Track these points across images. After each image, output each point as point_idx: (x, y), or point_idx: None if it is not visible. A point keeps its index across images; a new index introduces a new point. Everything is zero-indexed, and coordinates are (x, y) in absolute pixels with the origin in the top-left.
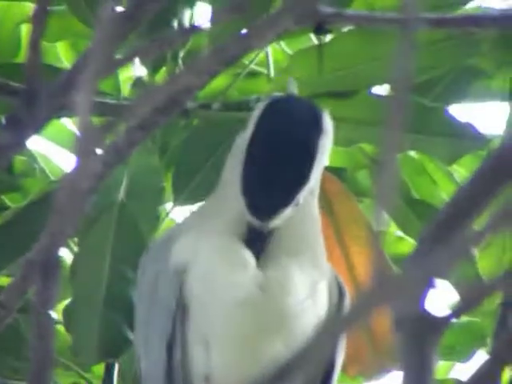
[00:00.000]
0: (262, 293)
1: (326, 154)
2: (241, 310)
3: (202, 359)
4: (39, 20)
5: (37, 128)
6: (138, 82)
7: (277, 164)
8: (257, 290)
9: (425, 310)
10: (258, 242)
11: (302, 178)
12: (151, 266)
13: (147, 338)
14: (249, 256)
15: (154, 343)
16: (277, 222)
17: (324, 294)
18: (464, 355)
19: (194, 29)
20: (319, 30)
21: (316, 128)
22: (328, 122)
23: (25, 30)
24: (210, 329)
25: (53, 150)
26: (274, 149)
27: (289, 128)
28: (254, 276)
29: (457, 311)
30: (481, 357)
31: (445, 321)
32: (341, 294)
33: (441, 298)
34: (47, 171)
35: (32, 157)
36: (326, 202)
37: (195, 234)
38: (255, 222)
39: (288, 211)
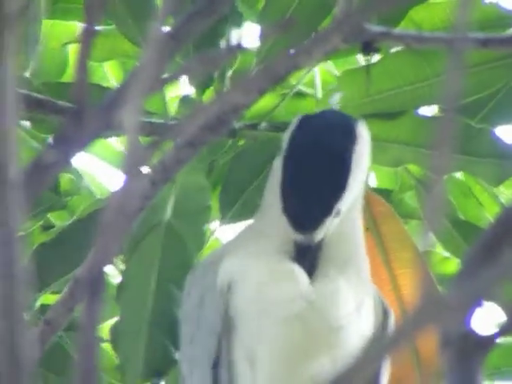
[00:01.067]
0: (311, 307)
1: (364, 162)
2: (289, 325)
3: (247, 379)
4: (87, 39)
5: (83, 146)
6: (184, 101)
7: (311, 176)
8: (306, 304)
9: (471, 330)
10: (307, 257)
11: (338, 187)
12: (197, 286)
13: (192, 357)
14: (298, 271)
15: (200, 363)
16: (320, 233)
17: (370, 311)
18: (509, 376)
19: (241, 47)
20: (367, 49)
21: (349, 136)
22: (363, 130)
23: (71, 49)
24: (256, 345)
25: (99, 169)
26: (307, 161)
27: (320, 138)
28: (303, 291)
29: (503, 330)
30: None
31: (491, 340)
32: (385, 313)
33: (487, 319)
34: (93, 190)
35: (78, 175)
36: (373, 223)
37: (242, 254)
38: (300, 237)
39: (329, 222)
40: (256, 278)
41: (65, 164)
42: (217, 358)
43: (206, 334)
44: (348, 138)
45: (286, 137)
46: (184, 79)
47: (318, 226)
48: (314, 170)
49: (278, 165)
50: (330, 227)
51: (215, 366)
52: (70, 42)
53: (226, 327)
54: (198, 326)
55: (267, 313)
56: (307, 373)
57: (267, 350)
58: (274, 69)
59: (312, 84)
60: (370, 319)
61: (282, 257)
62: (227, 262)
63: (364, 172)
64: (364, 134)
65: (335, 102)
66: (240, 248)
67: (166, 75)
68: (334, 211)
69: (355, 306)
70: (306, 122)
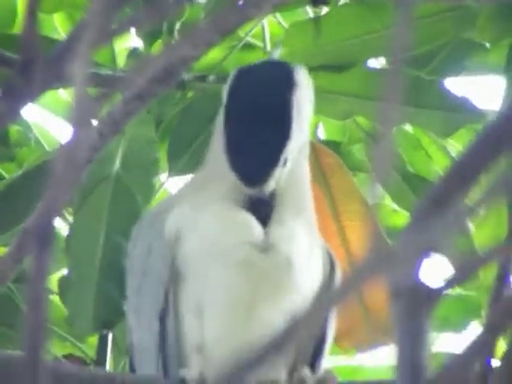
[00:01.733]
0: (263, 254)
1: (306, 108)
2: (238, 272)
3: (195, 329)
4: None
5: (32, 97)
6: (133, 54)
7: (254, 129)
8: (257, 250)
9: (419, 282)
10: (261, 208)
11: (283, 136)
12: (144, 236)
13: (139, 308)
14: (249, 218)
15: (146, 314)
16: (271, 185)
17: (319, 260)
18: (458, 327)
19: None
20: (316, 2)
21: (288, 84)
22: (302, 77)
23: (20, 0)
24: (204, 296)
25: (48, 121)
26: (248, 114)
27: (259, 89)
28: (254, 236)
29: (451, 282)
30: (475, 328)
31: (439, 291)
32: (331, 265)
33: (436, 271)
34: (42, 142)
35: (27, 127)
36: (321, 175)
37: (190, 202)
38: (251, 191)
39: (278, 172)
40: (204, 226)
41: (14, 115)
42: (164, 308)
43: (152, 284)
44: (287, 85)
45: (224, 90)
46: (132, 31)
47: (267, 178)
48: (256, 122)
49: (220, 118)
50: (279, 177)
51: (162, 316)
52: None
53: (174, 277)
54: (145, 275)
55: (216, 260)
56: (258, 320)
57: (216, 298)
58: (223, 21)
59: (261, 36)
60: (319, 268)
61: (232, 204)
62: (175, 211)
63: (307, 118)
64: (304, 80)
65: (278, 53)
66: (188, 197)
67: (114, 27)
68: (281, 161)
69: (308, 251)
70: (244, 73)
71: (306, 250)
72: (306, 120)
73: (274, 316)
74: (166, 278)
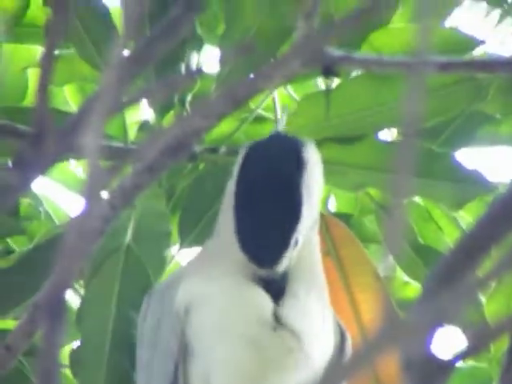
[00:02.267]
0: (272, 332)
1: (316, 185)
2: (245, 350)
3: None
4: (47, 63)
5: (43, 170)
6: (144, 126)
7: (264, 208)
8: (267, 329)
9: (432, 354)
10: (274, 286)
11: (293, 216)
12: (154, 309)
13: (149, 382)
14: (261, 294)
15: None
16: (283, 266)
17: (330, 334)
18: None
19: (201, 71)
20: (327, 74)
21: (297, 161)
22: (312, 153)
23: (31, 73)
24: (212, 372)
25: (59, 194)
26: (258, 192)
27: (268, 167)
28: (265, 314)
29: (463, 354)
30: None
31: (452, 363)
32: (342, 337)
33: (448, 343)
34: (52, 215)
35: (37, 200)
36: (332, 247)
37: (201, 276)
38: (262, 272)
39: (289, 253)
40: (213, 301)
41: (24, 188)
42: (174, 382)
43: (162, 358)
44: (296, 163)
45: (235, 167)
46: (144, 103)
47: (278, 260)
48: (266, 202)
49: (230, 190)
50: (291, 258)
51: None
52: (30, 66)
53: (183, 351)
54: (155, 349)
55: (224, 336)
56: None
57: (223, 374)
58: (234, 93)
59: (272, 108)
60: (330, 342)
61: (242, 279)
62: (185, 285)
63: (317, 196)
64: (313, 155)
65: (284, 122)
66: (198, 270)
67: (125, 99)
68: (293, 242)
69: (320, 326)
70: (253, 151)
71: (318, 326)
72: (317, 196)
73: None
74: (175, 352)
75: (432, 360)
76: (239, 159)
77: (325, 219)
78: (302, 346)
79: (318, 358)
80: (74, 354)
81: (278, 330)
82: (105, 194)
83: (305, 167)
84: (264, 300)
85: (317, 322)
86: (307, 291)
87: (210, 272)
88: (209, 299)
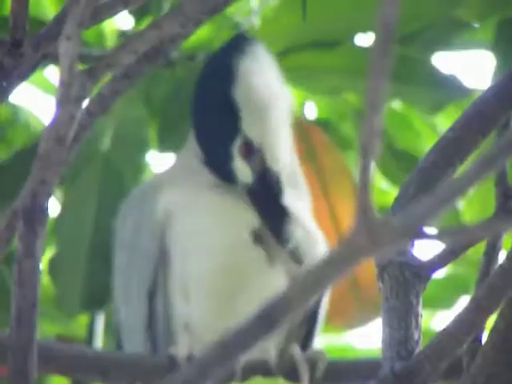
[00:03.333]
0: (250, 246)
1: (277, 88)
2: (223, 261)
3: (183, 308)
4: None
5: (22, 77)
6: (122, 34)
7: (220, 121)
8: (246, 243)
9: (410, 258)
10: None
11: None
12: (133, 214)
13: (127, 286)
14: (245, 207)
15: (134, 292)
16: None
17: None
18: (447, 303)
19: None
20: None
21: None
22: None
23: None
24: (190, 278)
25: (36, 101)
26: (213, 105)
27: (222, 80)
28: (246, 228)
29: (442, 258)
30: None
31: (430, 267)
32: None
33: (425, 248)
34: (31, 122)
35: (15, 108)
36: (311, 154)
37: (183, 184)
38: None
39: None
40: (196, 211)
41: (3, 95)
42: (152, 286)
43: (141, 263)
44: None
45: (198, 76)
46: (123, 12)
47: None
48: (221, 113)
49: None
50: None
51: (151, 294)
52: None
53: (163, 256)
54: (133, 253)
55: (203, 246)
56: (243, 307)
57: (200, 281)
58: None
59: (249, 15)
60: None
61: (226, 190)
62: (166, 191)
63: (282, 98)
64: (268, 58)
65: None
66: (180, 178)
67: (102, 5)
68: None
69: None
70: (213, 55)
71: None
72: (282, 99)
73: (260, 300)
74: (154, 257)
75: (410, 264)
76: (202, 69)
77: (303, 126)
78: (284, 262)
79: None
80: (51, 261)
81: (257, 245)
82: (82, 100)
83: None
84: (247, 214)
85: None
86: (294, 199)
87: (192, 180)
88: (190, 208)
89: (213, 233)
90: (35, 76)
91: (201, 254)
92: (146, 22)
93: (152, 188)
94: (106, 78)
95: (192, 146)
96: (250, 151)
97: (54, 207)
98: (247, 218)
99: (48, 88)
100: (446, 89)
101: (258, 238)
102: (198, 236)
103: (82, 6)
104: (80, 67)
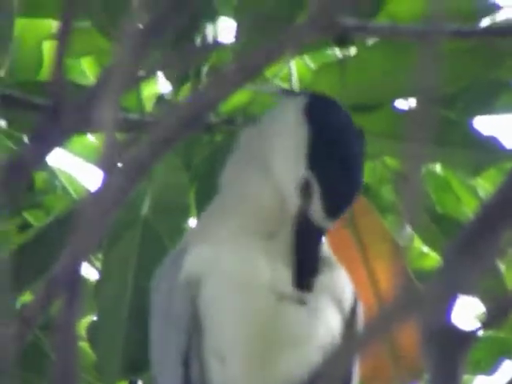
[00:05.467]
0: (279, 304)
1: None
2: (259, 322)
3: (219, 374)
4: (63, 35)
5: (60, 143)
6: (161, 99)
7: (348, 166)
8: (274, 302)
9: (452, 324)
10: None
11: (361, 179)
12: (164, 281)
13: (163, 354)
14: (272, 259)
15: (170, 359)
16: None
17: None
18: (489, 368)
19: (216, 43)
20: (341, 42)
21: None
22: None
23: (47, 46)
24: (225, 343)
25: (75, 167)
26: (345, 151)
27: (346, 126)
28: (271, 286)
29: (484, 324)
30: (507, 369)
31: (473, 333)
32: (354, 303)
33: (468, 313)
34: (69, 189)
35: (53, 174)
36: (350, 218)
37: (208, 239)
38: (324, 222)
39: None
40: (223, 271)
41: (39, 162)
42: (187, 353)
43: (174, 330)
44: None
45: (288, 113)
46: (161, 76)
47: (346, 207)
48: (350, 161)
49: (247, 145)
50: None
51: (186, 361)
52: (45, 39)
53: (196, 322)
54: (167, 321)
55: (234, 312)
56: (277, 372)
57: (235, 347)
58: (248, 63)
59: (288, 78)
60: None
61: (254, 240)
62: (193, 251)
63: None
64: None
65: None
66: (205, 233)
67: (142, 71)
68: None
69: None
70: (322, 106)
71: (329, 295)
72: None
73: (296, 362)
74: (186, 322)
75: (452, 331)
76: (296, 109)
77: None
78: (313, 318)
79: (330, 330)
80: (91, 327)
81: (288, 301)
82: (121, 166)
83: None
84: (274, 265)
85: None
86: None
87: (217, 233)
88: (218, 268)
89: (241, 295)
90: (75, 141)
91: (231, 319)
92: (184, 88)
93: (180, 251)
94: (145, 142)
95: (229, 192)
96: (308, 192)
97: (93, 272)
98: (276, 274)
99: (90, 154)
100: (487, 152)
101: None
102: (227, 300)
103: (120, 71)
104: (120, 134)
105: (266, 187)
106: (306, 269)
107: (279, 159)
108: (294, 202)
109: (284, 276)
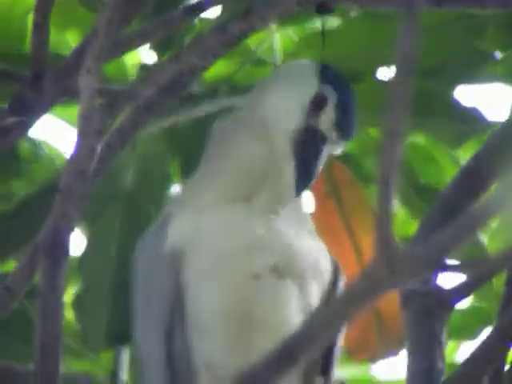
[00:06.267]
0: (258, 280)
1: None
2: (236, 299)
3: (201, 347)
4: (44, 6)
5: (41, 111)
6: (144, 68)
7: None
8: (252, 277)
9: (433, 289)
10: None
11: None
12: (146, 252)
13: (145, 325)
14: (253, 220)
15: (153, 330)
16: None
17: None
18: (471, 335)
19: (198, 9)
20: (321, 11)
21: None
22: None
23: (29, 18)
24: (205, 315)
25: (58, 136)
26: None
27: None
28: (251, 258)
29: (466, 288)
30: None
31: (454, 296)
32: (335, 271)
33: (448, 278)
34: (53, 158)
35: (37, 143)
36: (333, 189)
37: (191, 209)
38: (335, 131)
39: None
40: (207, 242)
41: (24, 130)
42: (170, 324)
43: (157, 302)
44: None
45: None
46: (144, 46)
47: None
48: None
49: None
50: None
51: (169, 332)
52: (29, 11)
53: (179, 293)
54: (150, 291)
55: (215, 279)
56: (259, 345)
57: (215, 321)
58: (227, 31)
59: (271, 50)
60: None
61: (238, 205)
62: (174, 224)
63: None
64: None
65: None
66: (187, 203)
67: (123, 39)
68: None
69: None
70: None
71: (310, 259)
72: None
73: (276, 336)
74: (170, 295)
75: (433, 295)
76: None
77: (327, 161)
78: (291, 292)
79: (313, 295)
80: (76, 297)
81: (266, 275)
82: (101, 134)
83: None
84: (256, 227)
85: (309, 255)
86: (297, 227)
87: (200, 201)
88: (199, 241)
89: (222, 267)
90: (59, 109)
91: (212, 292)
92: (166, 55)
93: (162, 222)
94: (126, 111)
95: (212, 162)
96: (320, 106)
97: (77, 244)
98: (257, 245)
99: (72, 122)
100: (469, 122)
101: None
102: (208, 275)
103: (101, 39)
104: (100, 101)
105: (257, 144)
106: (306, 176)
107: (281, 104)
108: (298, 118)
109: (265, 240)
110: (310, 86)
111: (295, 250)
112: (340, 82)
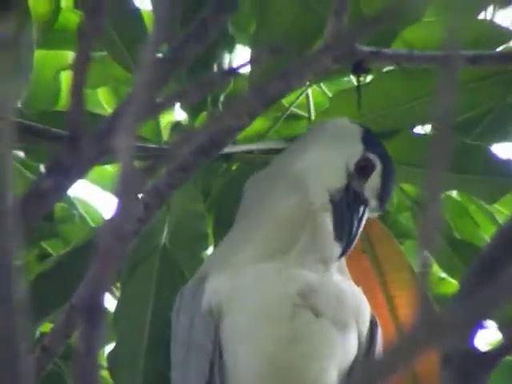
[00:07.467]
0: (306, 321)
1: None
2: (279, 346)
3: None
4: (80, 66)
5: (79, 174)
6: (177, 127)
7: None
8: (290, 332)
9: (471, 349)
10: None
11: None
12: (185, 308)
13: (185, 381)
14: (288, 277)
15: None
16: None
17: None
18: None
19: (233, 71)
20: (358, 70)
21: None
22: None
23: (64, 77)
24: (244, 372)
25: (94, 196)
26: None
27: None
28: (289, 312)
29: (503, 349)
30: None
31: (493, 358)
32: (372, 324)
33: (486, 340)
34: (87, 218)
35: (72, 203)
36: (368, 245)
37: (226, 268)
38: (377, 196)
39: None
40: (244, 301)
41: (60, 193)
42: (210, 381)
43: (197, 357)
44: None
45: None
46: (177, 105)
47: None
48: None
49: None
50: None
51: None
52: (62, 70)
53: (218, 350)
54: (189, 348)
55: (256, 338)
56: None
57: (254, 378)
58: (265, 90)
59: (305, 106)
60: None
61: (268, 264)
62: (212, 281)
63: None
64: None
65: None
66: (222, 262)
67: (159, 101)
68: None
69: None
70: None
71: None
72: None
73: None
74: (209, 351)
75: (472, 355)
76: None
77: None
78: (331, 336)
79: (349, 347)
80: (111, 355)
81: (313, 320)
82: (139, 195)
83: None
84: (292, 284)
85: (352, 305)
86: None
87: (235, 260)
88: (238, 298)
89: (259, 325)
90: (95, 170)
91: (249, 356)
92: (201, 116)
93: (200, 279)
94: (162, 170)
95: (245, 220)
96: (366, 171)
97: (112, 301)
98: (291, 298)
99: (106, 183)
100: (506, 177)
101: None
102: (245, 334)
103: (139, 101)
104: (137, 163)
105: (294, 197)
106: (348, 237)
107: (324, 161)
108: (340, 177)
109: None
110: (354, 149)
111: (340, 294)
112: (384, 151)
